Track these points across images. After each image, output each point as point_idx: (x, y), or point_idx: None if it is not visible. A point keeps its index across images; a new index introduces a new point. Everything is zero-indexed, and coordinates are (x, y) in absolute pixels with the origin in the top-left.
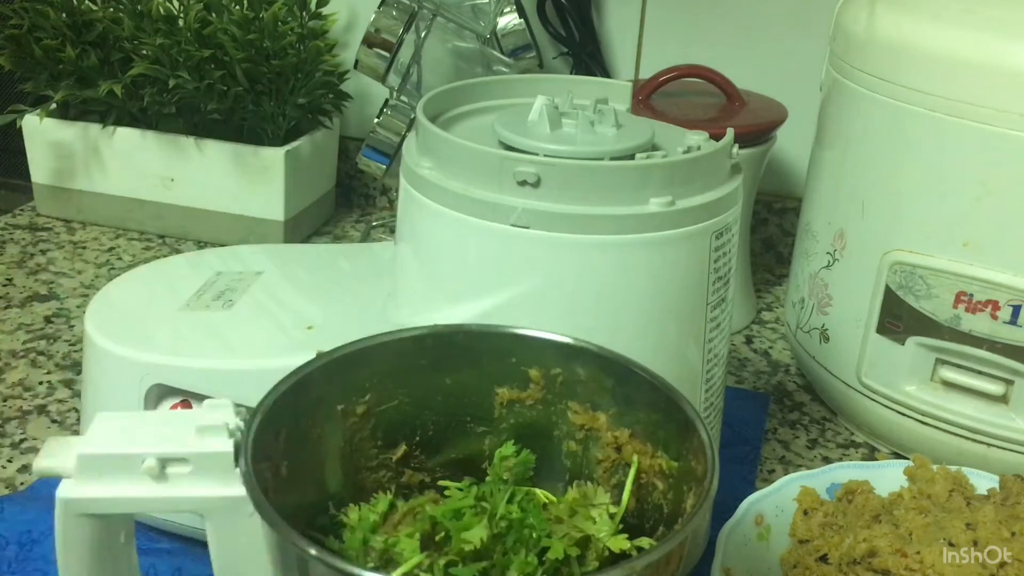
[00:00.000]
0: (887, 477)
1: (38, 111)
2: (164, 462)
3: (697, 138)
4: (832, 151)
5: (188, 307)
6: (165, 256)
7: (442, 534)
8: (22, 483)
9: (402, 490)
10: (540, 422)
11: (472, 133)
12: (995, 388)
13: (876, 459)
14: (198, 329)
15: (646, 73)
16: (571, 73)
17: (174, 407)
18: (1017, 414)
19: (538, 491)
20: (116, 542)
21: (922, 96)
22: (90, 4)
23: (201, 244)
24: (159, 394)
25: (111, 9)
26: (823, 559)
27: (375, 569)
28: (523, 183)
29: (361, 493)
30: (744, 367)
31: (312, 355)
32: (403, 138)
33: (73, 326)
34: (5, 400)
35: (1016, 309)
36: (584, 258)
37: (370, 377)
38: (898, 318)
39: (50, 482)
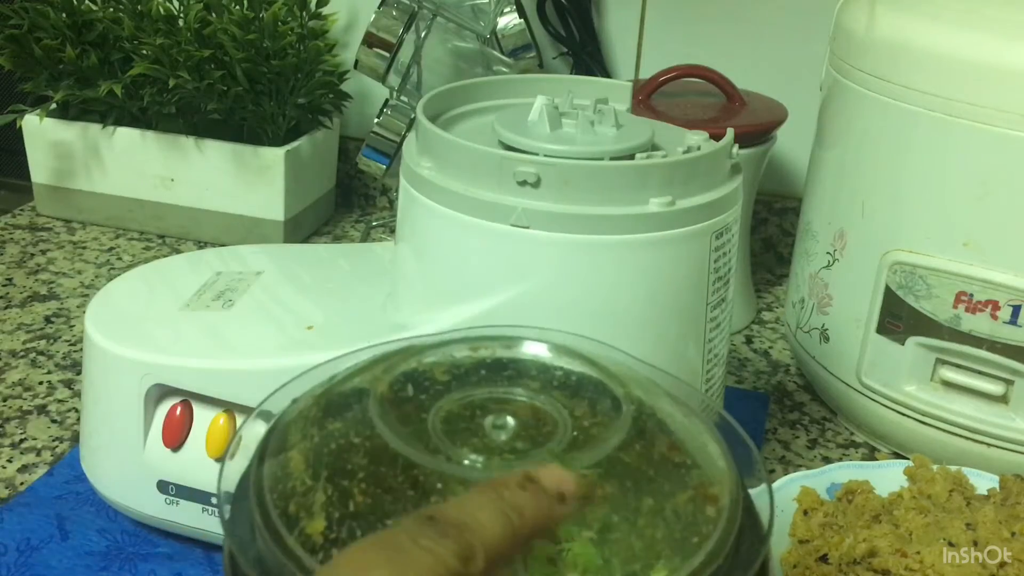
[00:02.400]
0: (887, 477)
1: (38, 111)
2: None
3: (697, 138)
4: (832, 151)
5: (188, 307)
6: (165, 256)
7: None
8: (22, 483)
9: None
10: None
11: (472, 133)
12: (995, 388)
13: (876, 459)
14: (198, 329)
15: (646, 73)
16: (571, 73)
17: (174, 407)
18: (1017, 414)
19: None
20: None
21: (922, 96)
22: (90, 4)
23: (201, 244)
24: (159, 394)
25: (111, 9)
26: (823, 559)
27: None
28: (523, 183)
29: None
30: (744, 367)
31: (312, 354)
32: (403, 138)
33: (73, 326)
34: (5, 400)
35: (1016, 309)
36: (584, 258)
37: None
38: (898, 318)
39: (49, 485)
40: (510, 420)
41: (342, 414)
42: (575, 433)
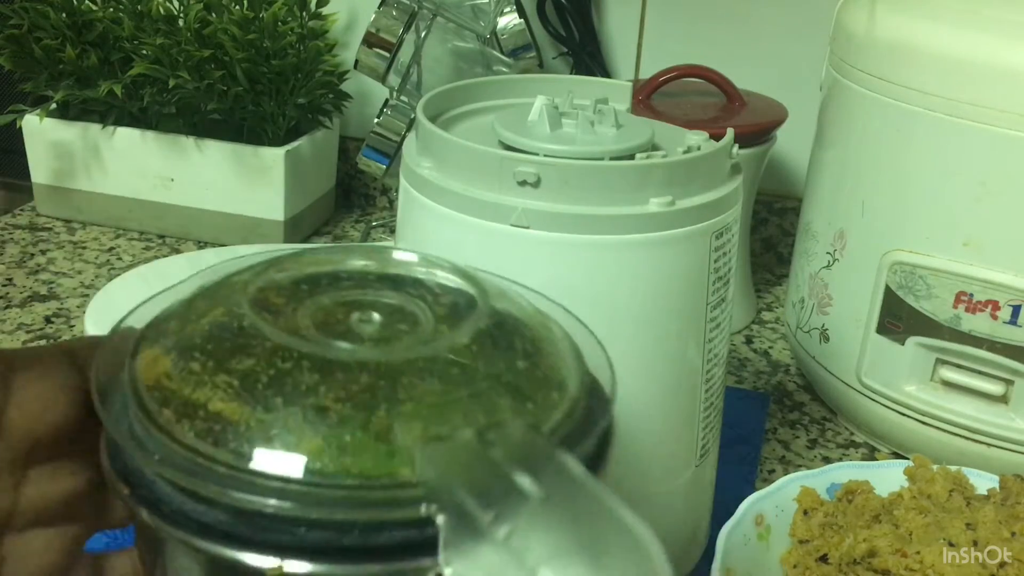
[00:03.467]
0: (887, 477)
1: (38, 111)
2: None
3: (697, 138)
4: (832, 151)
5: None
6: (165, 256)
7: None
8: None
9: None
10: None
11: (472, 133)
12: (995, 388)
13: (876, 459)
14: None
15: (646, 73)
16: (571, 73)
17: None
18: (1017, 414)
19: None
20: None
21: (922, 96)
22: (90, 4)
23: (201, 244)
24: None
25: (111, 9)
26: (823, 559)
27: None
28: (523, 183)
29: None
30: (744, 367)
31: None
32: (403, 138)
33: (73, 326)
34: None
35: (1016, 309)
36: (584, 258)
37: None
38: (898, 318)
39: None
40: (375, 315)
41: (212, 312)
42: (435, 326)
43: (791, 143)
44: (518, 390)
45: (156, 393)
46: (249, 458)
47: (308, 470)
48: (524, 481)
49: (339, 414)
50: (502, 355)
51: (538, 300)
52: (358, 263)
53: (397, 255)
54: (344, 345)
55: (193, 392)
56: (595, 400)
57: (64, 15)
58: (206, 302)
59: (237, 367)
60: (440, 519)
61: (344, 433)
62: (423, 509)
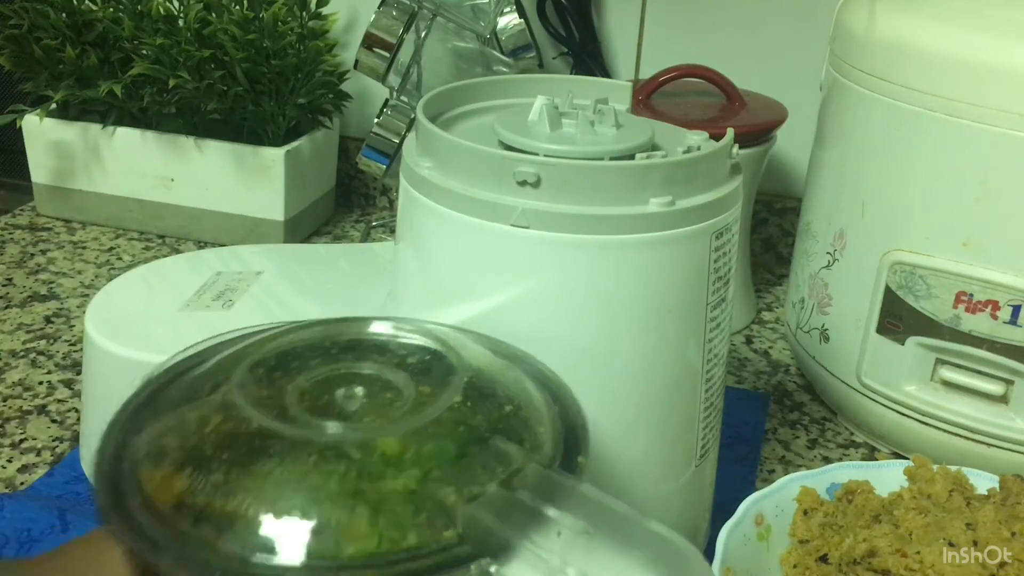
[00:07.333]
0: (887, 477)
1: (38, 111)
2: None
3: (697, 138)
4: (832, 151)
5: (188, 307)
6: (165, 256)
7: None
8: (22, 483)
9: None
10: None
11: (472, 133)
12: (995, 388)
13: (876, 459)
14: (198, 329)
15: (646, 73)
16: (571, 73)
17: None
18: (1017, 414)
19: None
20: None
21: (922, 96)
22: (90, 4)
23: (201, 244)
24: None
25: (111, 9)
26: (823, 559)
27: None
28: (523, 183)
29: None
30: (744, 367)
31: None
32: (403, 138)
33: (73, 326)
34: (5, 400)
35: (1016, 309)
36: (584, 258)
37: None
38: (898, 318)
39: (49, 486)
40: (359, 391)
41: (206, 419)
42: (417, 397)
43: (791, 143)
44: (512, 433)
45: (185, 510)
46: (305, 554)
47: (363, 553)
48: (565, 519)
49: (377, 494)
50: (491, 404)
51: (483, 342)
52: (313, 336)
53: (354, 323)
54: (358, 427)
55: (226, 503)
56: (568, 421)
57: (64, 15)
58: (188, 411)
59: (262, 470)
60: (493, 568)
61: (387, 512)
62: (473, 569)
